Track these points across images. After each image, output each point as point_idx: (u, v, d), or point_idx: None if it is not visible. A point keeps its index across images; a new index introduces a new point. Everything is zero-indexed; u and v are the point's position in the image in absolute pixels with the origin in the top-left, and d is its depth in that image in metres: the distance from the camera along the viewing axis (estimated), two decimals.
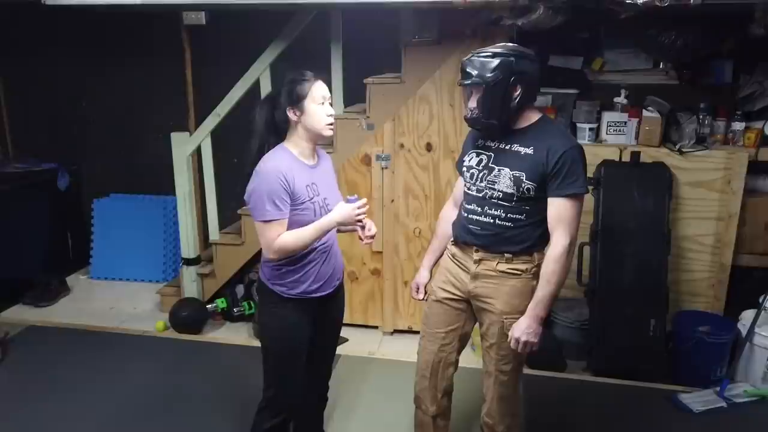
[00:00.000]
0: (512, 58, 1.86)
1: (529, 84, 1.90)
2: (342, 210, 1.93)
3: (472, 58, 1.90)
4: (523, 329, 1.90)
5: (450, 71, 3.13)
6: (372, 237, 2.02)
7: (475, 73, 1.87)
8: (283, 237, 1.89)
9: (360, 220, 1.95)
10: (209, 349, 3.47)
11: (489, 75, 1.85)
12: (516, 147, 1.93)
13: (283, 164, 1.90)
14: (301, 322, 2.03)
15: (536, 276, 1.94)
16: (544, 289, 1.89)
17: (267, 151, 1.95)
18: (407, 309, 3.54)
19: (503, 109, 1.88)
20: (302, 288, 1.99)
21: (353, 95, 3.55)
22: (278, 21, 3.38)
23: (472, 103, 1.92)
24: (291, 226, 1.92)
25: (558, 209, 1.88)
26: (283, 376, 2.08)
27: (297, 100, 1.90)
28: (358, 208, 1.92)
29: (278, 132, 1.97)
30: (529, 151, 1.90)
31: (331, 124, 1.95)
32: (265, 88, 3.43)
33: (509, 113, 1.90)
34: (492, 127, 1.93)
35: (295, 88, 1.90)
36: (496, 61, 1.85)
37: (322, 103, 1.92)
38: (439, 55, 3.15)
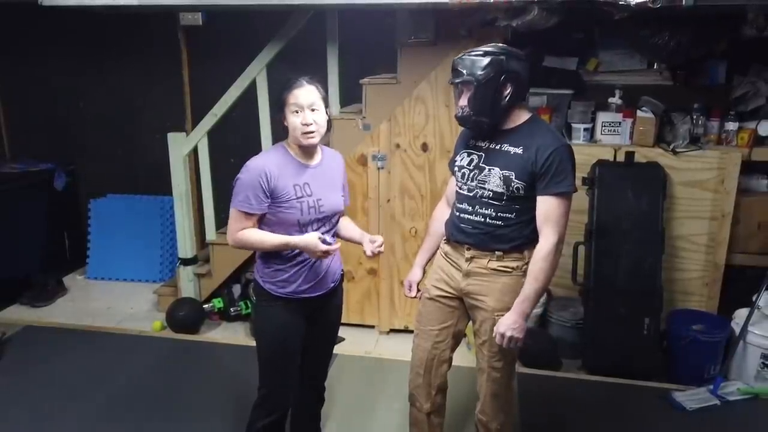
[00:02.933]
0: (502, 57, 1.88)
1: (519, 83, 1.92)
2: (309, 240, 1.90)
3: (463, 57, 1.93)
4: (509, 325, 1.91)
5: (446, 72, 3.07)
6: (376, 253, 2.01)
7: (465, 71, 1.90)
8: (247, 231, 1.93)
9: (324, 255, 1.93)
10: (206, 348, 3.48)
11: (480, 73, 1.87)
12: (506, 147, 1.95)
13: (271, 162, 1.92)
14: (292, 321, 2.03)
15: (527, 273, 1.95)
16: (531, 286, 1.91)
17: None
18: (403, 308, 3.56)
19: (493, 107, 1.91)
20: (292, 288, 2.00)
21: (350, 96, 3.57)
22: (275, 22, 3.39)
23: (463, 101, 1.95)
24: (273, 222, 1.95)
25: (546, 207, 1.90)
26: (274, 375, 2.09)
27: (281, 107, 1.93)
28: (323, 250, 1.90)
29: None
30: (519, 150, 1.92)
31: (306, 134, 1.89)
32: (262, 89, 3.45)
33: (499, 112, 1.92)
34: (482, 125, 1.95)
35: (281, 95, 1.93)
36: (486, 60, 1.88)
37: (297, 112, 1.89)
38: (435, 56, 3.16)
